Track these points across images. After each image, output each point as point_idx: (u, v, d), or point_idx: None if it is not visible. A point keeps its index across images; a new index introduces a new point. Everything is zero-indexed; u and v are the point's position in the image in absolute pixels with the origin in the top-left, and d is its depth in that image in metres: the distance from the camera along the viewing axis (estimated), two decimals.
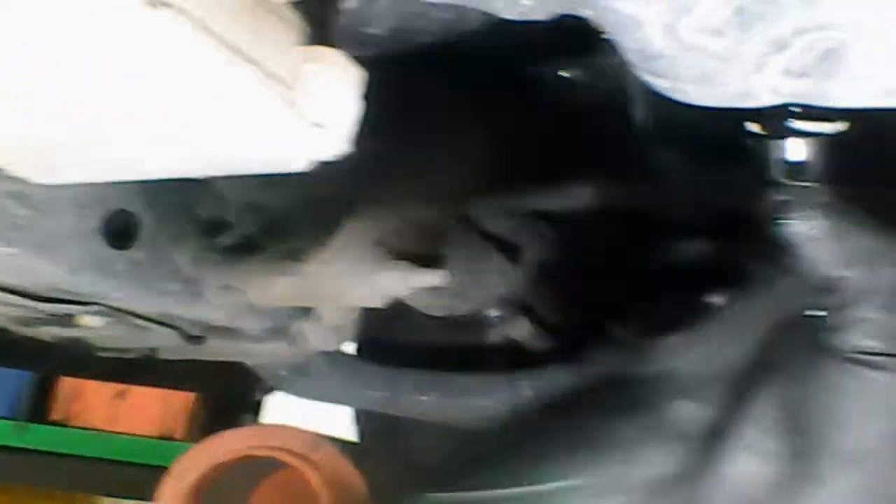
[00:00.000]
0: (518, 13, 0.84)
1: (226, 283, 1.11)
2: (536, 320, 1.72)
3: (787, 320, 0.81)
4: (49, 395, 3.06)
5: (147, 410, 3.06)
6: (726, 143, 1.08)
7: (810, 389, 0.72)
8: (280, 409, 2.83)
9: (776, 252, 0.81)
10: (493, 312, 1.53)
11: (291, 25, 0.64)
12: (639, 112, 1.13)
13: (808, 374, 0.72)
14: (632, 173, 1.20)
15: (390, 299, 1.18)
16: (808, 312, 0.79)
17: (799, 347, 0.75)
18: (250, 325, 1.31)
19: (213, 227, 1.12)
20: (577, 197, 1.24)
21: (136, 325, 1.27)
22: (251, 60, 0.58)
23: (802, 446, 0.72)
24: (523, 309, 1.69)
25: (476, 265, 1.37)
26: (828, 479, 0.73)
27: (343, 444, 2.10)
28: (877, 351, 0.72)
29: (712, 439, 0.80)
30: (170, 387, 2.99)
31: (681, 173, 1.14)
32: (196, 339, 1.36)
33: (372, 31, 1.07)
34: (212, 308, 1.27)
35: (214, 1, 0.56)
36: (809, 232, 0.77)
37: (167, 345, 1.37)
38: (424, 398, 1.48)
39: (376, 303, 1.18)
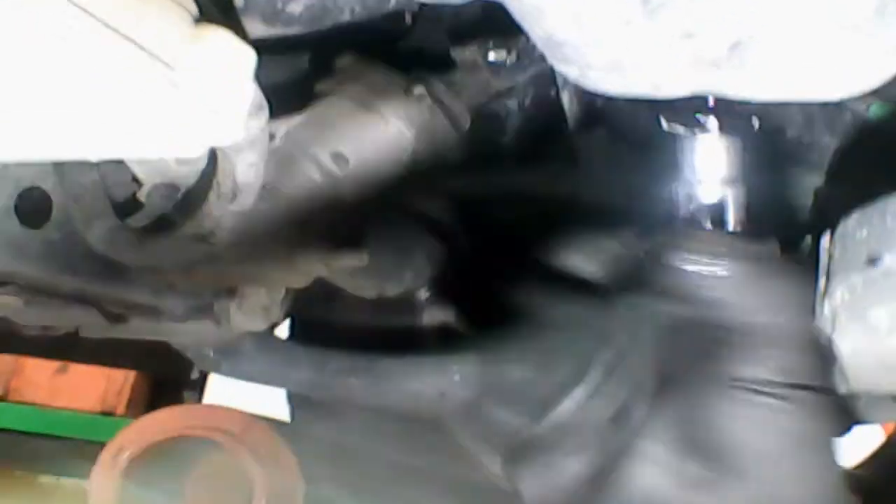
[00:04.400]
0: None
1: (142, 263, 1.09)
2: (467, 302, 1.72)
3: (688, 347, 0.81)
4: None
5: (88, 386, 3.02)
6: (649, 135, 1.07)
7: (709, 412, 0.72)
8: (223, 385, 2.82)
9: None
10: (424, 294, 1.52)
11: (181, 7, 0.62)
12: (566, 97, 1.12)
13: (708, 398, 0.73)
14: (557, 159, 1.19)
15: (311, 279, 1.16)
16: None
17: (701, 373, 0.76)
18: (172, 304, 1.29)
19: (126, 207, 1.10)
20: (502, 181, 1.23)
21: (55, 304, 1.25)
22: (131, 43, 0.56)
23: (700, 462, 0.73)
24: (455, 291, 1.69)
25: (404, 246, 1.35)
26: (721, 493, 0.74)
27: (276, 424, 2.09)
28: (774, 382, 0.73)
29: (616, 450, 0.81)
30: (110, 364, 2.96)
31: (606, 162, 1.14)
32: (118, 318, 1.34)
33: (292, 9, 1.06)
34: (131, 287, 1.25)
35: None
36: (718, 274, 0.78)
37: (89, 323, 1.34)
38: (352, 381, 1.47)
39: (297, 283, 1.17)
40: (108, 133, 0.63)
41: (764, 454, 0.73)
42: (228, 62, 0.63)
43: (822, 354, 0.82)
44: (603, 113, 1.09)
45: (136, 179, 1.09)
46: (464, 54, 1.20)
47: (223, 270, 1.14)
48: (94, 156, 0.74)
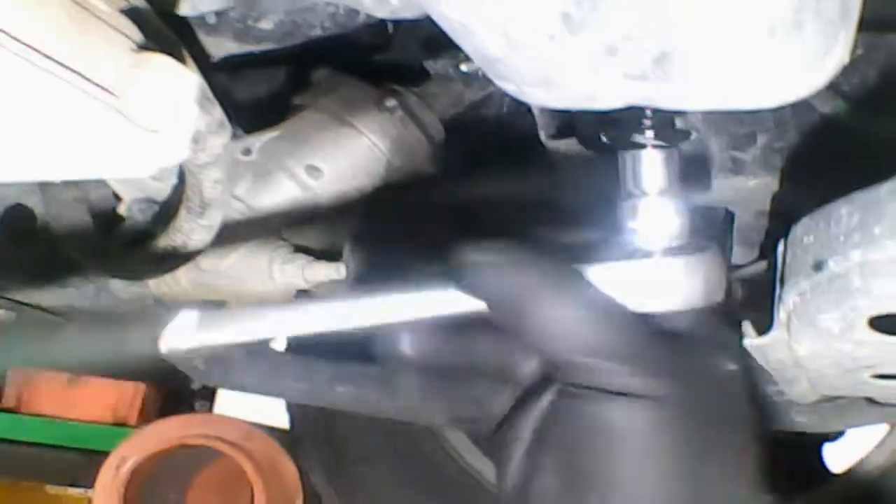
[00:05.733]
0: (389, 12, 0.84)
1: (125, 276, 1.11)
2: None
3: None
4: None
5: (99, 398, 3.04)
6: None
7: (571, 427, 0.71)
8: (233, 395, 2.83)
9: None
10: None
11: (122, 33, 0.65)
12: (534, 106, 1.13)
13: (568, 414, 0.71)
14: (530, 166, 1.20)
15: (290, 292, 1.18)
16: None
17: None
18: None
19: (108, 221, 1.12)
20: (477, 189, 1.24)
21: (44, 319, 1.28)
22: (76, 74, 0.58)
23: (568, 478, 0.72)
24: None
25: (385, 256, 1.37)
26: None
27: (277, 433, 2.11)
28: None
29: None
30: (120, 376, 2.98)
31: (577, 170, 1.15)
32: None
33: (263, 25, 1.08)
34: (117, 301, 1.27)
35: (38, 16, 0.57)
36: None
37: None
38: (341, 389, 1.48)
39: (276, 296, 1.19)
40: (57, 157, 0.65)
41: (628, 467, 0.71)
42: (170, 86, 0.64)
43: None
44: (574, 121, 1.10)
45: (116, 195, 1.12)
46: (436, 66, 1.22)
47: (206, 284, 1.16)
48: (46, 178, 0.76)
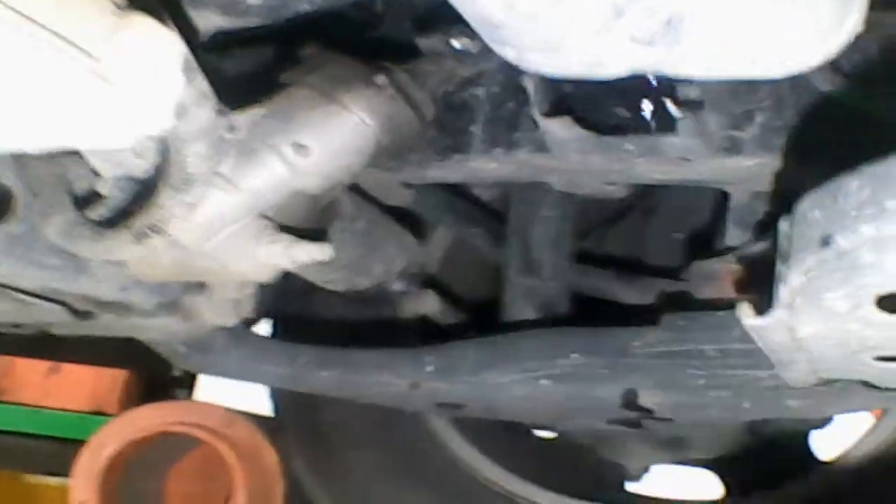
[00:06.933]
0: None
1: (102, 256, 1.08)
2: (446, 294, 1.72)
3: None
4: None
5: (79, 386, 3.01)
6: (616, 120, 1.06)
7: None
8: (213, 383, 2.81)
9: None
10: (398, 287, 1.51)
11: None
12: (529, 83, 1.11)
13: None
14: (524, 146, 1.17)
15: (275, 273, 1.15)
16: None
17: None
18: (140, 299, 1.28)
19: (87, 199, 1.09)
20: (471, 168, 1.22)
21: (21, 301, 1.24)
22: (53, 34, 0.55)
23: None
24: (431, 283, 1.68)
25: (373, 238, 1.34)
26: None
27: (258, 419, 2.08)
28: None
29: None
30: (100, 363, 2.95)
31: (573, 148, 1.12)
32: (85, 315, 1.33)
33: (251, 0, 1.05)
34: (96, 282, 1.24)
35: None
36: None
37: (57, 320, 1.34)
38: (325, 374, 1.46)
39: (261, 276, 1.16)
40: (35, 124, 0.62)
41: None
42: (153, 50, 0.62)
43: None
44: (570, 98, 1.08)
45: (96, 172, 1.09)
46: (428, 42, 1.19)
47: (187, 265, 1.13)
48: (23, 147, 0.73)
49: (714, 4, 0.60)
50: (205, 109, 0.86)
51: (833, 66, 1.08)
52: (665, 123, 0.96)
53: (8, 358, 2.99)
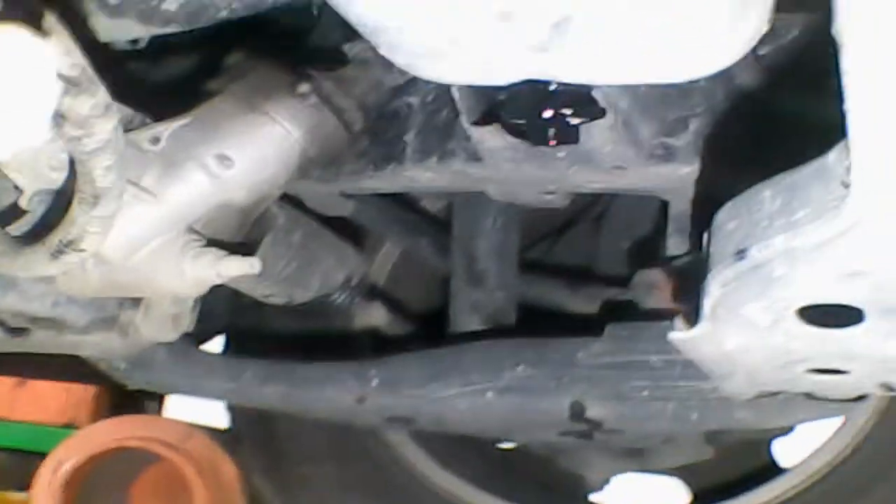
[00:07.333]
0: None
1: (20, 273, 1.05)
2: (395, 305, 1.69)
3: None
4: None
5: (49, 399, 2.98)
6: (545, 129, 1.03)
7: None
8: (184, 397, 2.78)
9: None
10: (342, 299, 1.48)
11: None
12: (455, 91, 1.08)
13: None
14: (458, 155, 1.15)
15: (204, 287, 1.12)
16: None
17: None
18: (74, 315, 1.25)
19: (8, 215, 1.06)
20: (406, 178, 1.19)
21: None
22: None
23: None
24: (377, 294, 1.66)
25: (310, 251, 1.31)
26: None
27: (218, 433, 2.06)
28: None
29: None
30: (67, 379, 2.92)
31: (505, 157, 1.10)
32: (19, 332, 1.30)
33: (167, 6, 1.02)
34: (27, 298, 1.21)
35: None
36: None
37: None
38: (269, 389, 1.43)
39: (190, 291, 1.13)
40: None
41: None
42: (20, 62, 0.58)
43: None
44: (500, 107, 1.05)
45: (17, 187, 1.06)
46: (355, 50, 1.16)
47: (114, 280, 1.10)
48: None
49: (600, 5, 0.57)
50: (108, 121, 0.83)
51: (768, 70, 1.06)
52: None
53: None
